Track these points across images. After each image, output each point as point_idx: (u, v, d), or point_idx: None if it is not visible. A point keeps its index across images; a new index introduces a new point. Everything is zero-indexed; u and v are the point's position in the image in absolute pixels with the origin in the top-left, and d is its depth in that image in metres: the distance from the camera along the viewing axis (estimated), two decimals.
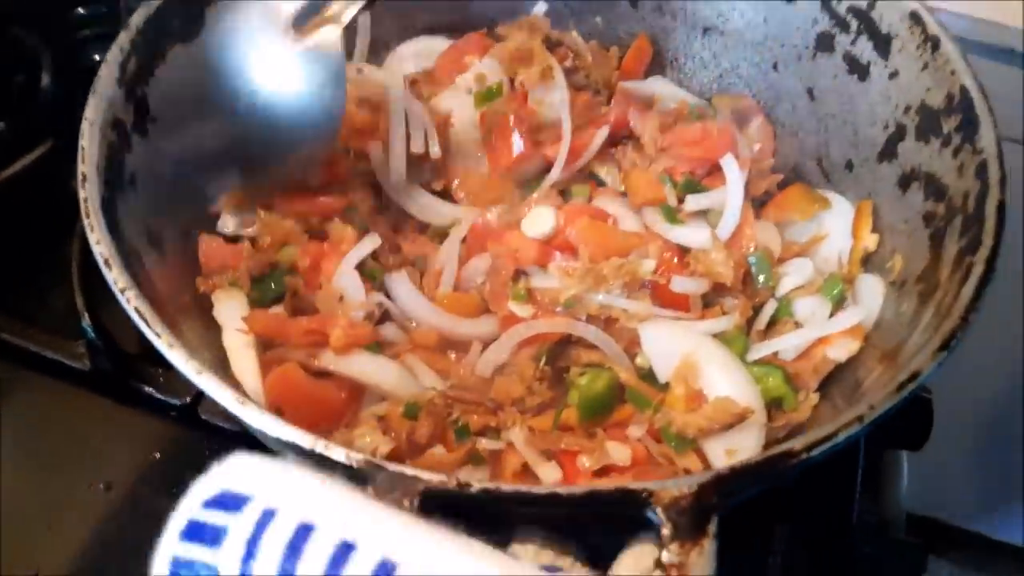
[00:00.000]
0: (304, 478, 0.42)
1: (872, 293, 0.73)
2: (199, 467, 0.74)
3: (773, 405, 0.70)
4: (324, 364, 0.69)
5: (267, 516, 0.41)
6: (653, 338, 0.73)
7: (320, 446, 0.47)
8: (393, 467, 0.45)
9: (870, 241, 0.77)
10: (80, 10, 1.11)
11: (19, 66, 1.05)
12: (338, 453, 0.47)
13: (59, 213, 0.89)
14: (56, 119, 0.97)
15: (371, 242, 0.76)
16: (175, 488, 0.73)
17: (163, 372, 0.80)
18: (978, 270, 0.58)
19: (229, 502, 0.42)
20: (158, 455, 0.79)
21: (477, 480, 0.44)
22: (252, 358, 0.68)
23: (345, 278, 0.73)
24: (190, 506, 0.43)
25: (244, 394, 0.52)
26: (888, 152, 0.76)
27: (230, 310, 0.71)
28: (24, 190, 0.94)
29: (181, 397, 0.80)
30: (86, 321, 0.78)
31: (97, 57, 1.05)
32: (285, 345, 0.69)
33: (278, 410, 0.64)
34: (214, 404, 0.74)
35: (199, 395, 0.79)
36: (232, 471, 0.44)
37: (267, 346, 0.71)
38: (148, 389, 0.81)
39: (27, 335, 0.84)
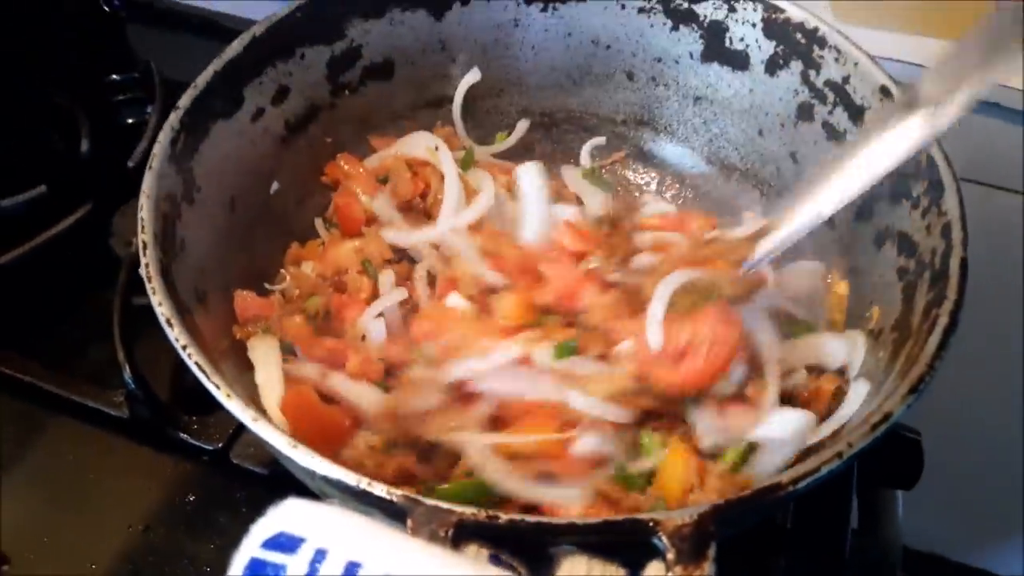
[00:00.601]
0: (351, 520, 0.48)
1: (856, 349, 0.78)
2: (231, 508, 0.81)
3: None
4: (332, 384, 0.75)
5: (319, 555, 0.46)
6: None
7: (364, 483, 0.53)
8: (430, 501, 0.51)
9: (840, 287, 0.83)
10: (114, 76, 1.16)
11: (59, 132, 1.10)
12: (380, 490, 0.53)
13: (95, 270, 0.94)
14: (95, 182, 1.02)
15: (398, 294, 0.84)
16: (209, 528, 0.80)
17: (196, 420, 0.84)
18: (943, 321, 0.64)
19: (285, 543, 0.47)
20: (192, 497, 0.82)
21: (504, 513, 0.50)
22: (279, 393, 0.75)
23: (370, 324, 0.81)
24: (251, 546, 0.48)
25: (293, 440, 0.57)
26: (864, 212, 0.82)
27: (263, 352, 0.78)
28: (64, 249, 0.98)
29: (213, 443, 0.83)
30: (127, 373, 0.82)
31: (130, 120, 1.14)
32: (306, 355, 0.77)
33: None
34: (244, 449, 0.83)
35: (230, 441, 0.83)
36: (287, 514, 0.48)
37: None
38: (182, 436, 0.84)
39: (69, 385, 0.88)
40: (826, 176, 0.72)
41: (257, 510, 0.78)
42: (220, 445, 0.84)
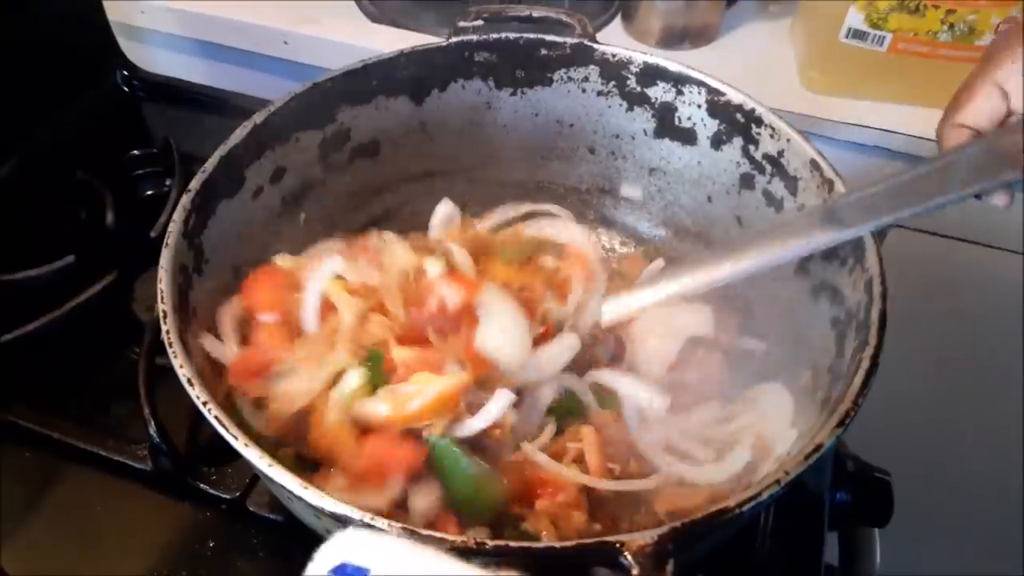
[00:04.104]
0: (411, 549, 0.50)
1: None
2: (249, 553, 0.84)
3: None
4: None
5: None
6: None
7: (368, 518, 0.58)
8: (425, 532, 0.56)
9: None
10: (135, 152, 1.22)
11: (85, 206, 1.14)
12: (382, 523, 0.57)
13: (118, 332, 1.00)
14: (119, 252, 1.06)
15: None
16: (229, 573, 0.83)
17: (214, 471, 0.87)
18: (865, 365, 0.69)
19: (352, 573, 0.48)
20: (212, 544, 0.84)
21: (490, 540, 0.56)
22: None
23: None
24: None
25: (304, 482, 0.62)
26: (802, 268, 0.88)
27: None
28: (90, 313, 1.01)
29: (231, 492, 0.86)
30: (152, 428, 0.85)
31: (151, 193, 1.20)
32: None
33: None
34: (260, 498, 0.86)
35: (247, 490, 0.86)
36: (343, 548, 0.49)
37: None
38: (202, 486, 0.87)
39: (94, 440, 0.90)
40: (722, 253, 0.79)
41: (273, 554, 0.84)
42: (237, 494, 0.86)
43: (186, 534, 0.85)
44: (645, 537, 0.56)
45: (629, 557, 0.55)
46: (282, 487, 0.63)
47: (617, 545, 0.56)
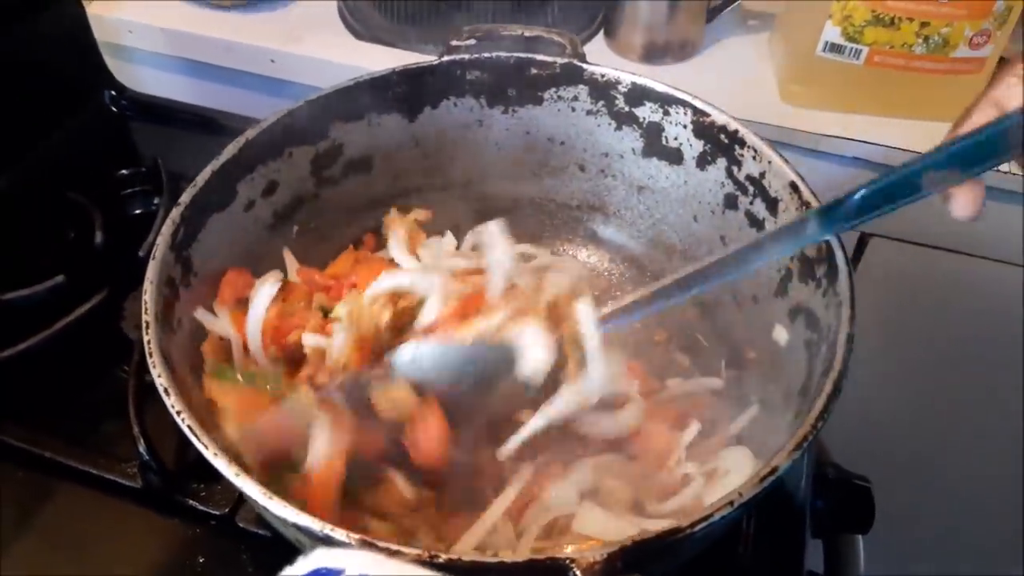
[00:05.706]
0: (376, 555, 0.57)
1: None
2: (238, 569, 0.89)
3: None
4: None
5: None
6: None
7: (327, 529, 0.64)
8: (382, 544, 0.63)
9: None
10: (123, 171, 1.28)
11: (75, 225, 1.21)
12: (340, 534, 0.64)
13: (107, 350, 1.06)
14: (108, 271, 1.13)
15: None
16: None
17: (203, 487, 0.93)
18: (827, 388, 0.74)
19: (325, 574, 0.52)
20: (201, 560, 0.88)
21: (443, 552, 0.62)
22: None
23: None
24: None
25: (268, 495, 0.68)
26: (781, 290, 0.94)
27: None
28: (80, 333, 1.08)
29: (220, 508, 0.92)
30: (142, 446, 0.91)
31: (139, 211, 1.25)
32: None
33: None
34: (248, 514, 0.91)
35: (235, 506, 0.92)
36: (318, 557, 0.54)
37: None
38: (191, 502, 0.91)
39: (85, 459, 0.96)
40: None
41: (262, 569, 0.89)
42: (226, 510, 0.92)
43: (176, 550, 0.90)
44: (595, 554, 0.62)
45: (579, 573, 0.61)
46: (249, 496, 0.70)
47: (567, 561, 0.62)
